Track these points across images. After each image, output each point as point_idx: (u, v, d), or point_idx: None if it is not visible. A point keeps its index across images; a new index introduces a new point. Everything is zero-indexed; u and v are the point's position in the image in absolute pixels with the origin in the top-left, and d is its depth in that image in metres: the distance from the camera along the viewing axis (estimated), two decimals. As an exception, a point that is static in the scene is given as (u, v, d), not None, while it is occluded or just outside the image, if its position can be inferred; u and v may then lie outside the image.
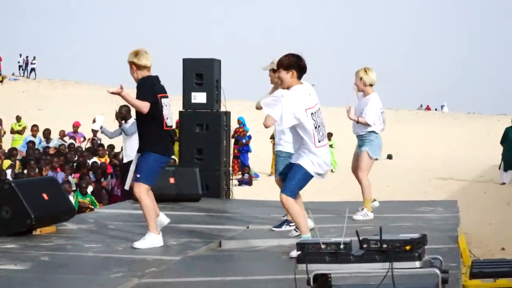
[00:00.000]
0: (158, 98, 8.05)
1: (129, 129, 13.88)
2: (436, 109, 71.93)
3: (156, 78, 8.20)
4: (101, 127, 14.69)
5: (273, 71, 8.65)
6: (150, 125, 8.06)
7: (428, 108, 71.84)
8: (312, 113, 7.31)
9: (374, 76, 9.86)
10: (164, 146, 8.16)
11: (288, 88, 7.38)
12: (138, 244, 8.07)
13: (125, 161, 14.15)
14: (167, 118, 8.13)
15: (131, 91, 7.87)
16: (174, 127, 8.19)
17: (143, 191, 8.04)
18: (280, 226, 9.04)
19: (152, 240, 8.10)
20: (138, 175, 8.10)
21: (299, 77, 7.42)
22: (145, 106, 7.92)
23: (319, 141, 7.32)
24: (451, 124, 51.90)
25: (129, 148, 13.86)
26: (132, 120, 13.67)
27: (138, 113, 8.07)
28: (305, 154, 7.32)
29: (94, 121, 14.66)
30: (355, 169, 10.05)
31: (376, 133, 9.88)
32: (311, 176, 7.36)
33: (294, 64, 7.38)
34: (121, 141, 15.06)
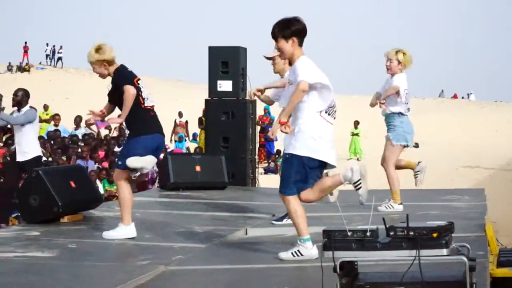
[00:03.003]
0: (135, 82, 7.91)
1: (19, 118, 10.86)
2: (462, 97, 71.41)
3: (123, 66, 8.05)
4: None
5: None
6: (132, 111, 7.82)
7: (455, 97, 71.31)
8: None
9: (411, 58, 9.43)
10: (148, 126, 7.95)
11: (290, 59, 6.71)
12: (106, 234, 7.97)
13: (20, 159, 10.98)
14: (146, 99, 7.94)
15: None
16: (154, 106, 7.81)
17: (123, 178, 7.90)
18: (281, 219, 8.84)
19: (122, 230, 7.98)
20: (119, 162, 7.93)
21: (300, 43, 6.66)
22: (132, 93, 7.74)
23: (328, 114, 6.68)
24: (478, 112, 51.52)
25: (24, 143, 10.87)
26: (26, 108, 10.91)
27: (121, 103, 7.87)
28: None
29: None
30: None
31: (401, 116, 9.38)
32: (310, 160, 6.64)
33: (291, 31, 6.60)
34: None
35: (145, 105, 7.97)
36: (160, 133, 8.09)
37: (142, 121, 7.96)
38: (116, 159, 8.07)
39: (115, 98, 7.96)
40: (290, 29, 6.62)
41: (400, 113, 9.42)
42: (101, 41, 8.02)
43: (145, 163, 7.85)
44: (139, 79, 8.06)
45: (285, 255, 6.82)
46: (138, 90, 7.92)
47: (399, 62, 9.33)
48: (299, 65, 6.57)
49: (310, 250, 6.74)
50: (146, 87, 8.19)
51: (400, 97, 9.35)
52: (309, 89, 6.51)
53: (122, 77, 7.90)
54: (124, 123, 8.12)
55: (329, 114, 6.69)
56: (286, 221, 8.63)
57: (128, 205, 8.01)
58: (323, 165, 6.79)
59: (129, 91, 7.77)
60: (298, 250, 6.79)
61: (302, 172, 6.65)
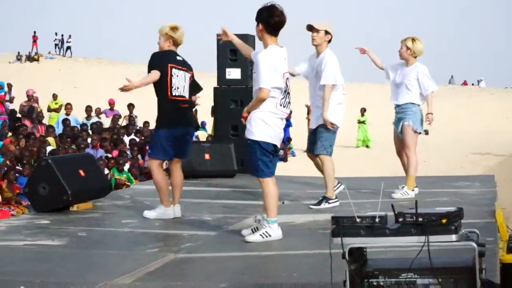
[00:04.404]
0: (167, 67, 8.17)
1: None
2: (473, 84, 71.17)
3: (169, 51, 8.32)
4: None
5: None
6: (158, 97, 8.24)
7: (465, 83, 71.09)
8: (287, 78, 7.13)
9: (422, 47, 9.54)
10: (171, 119, 8.22)
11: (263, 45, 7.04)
12: (147, 214, 8.43)
13: None
14: (175, 88, 8.19)
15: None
16: (188, 98, 8.16)
17: (154, 165, 8.30)
18: (319, 203, 8.97)
19: (161, 210, 8.37)
20: (149, 151, 8.49)
21: (271, 32, 6.99)
22: (154, 74, 8.10)
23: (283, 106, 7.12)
24: (488, 99, 51.36)
25: None
26: None
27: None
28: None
29: None
30: (399, 150, 9.71)
31: (418, 105, 9.53)
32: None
33: (261, 18, 6.96)
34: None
35: (173, 94, 8.13)
36: (181, 126, 8.30)
37: (165, 113, 8.21)
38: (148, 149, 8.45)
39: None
40: (258, 16, 7.00)
41: (416, 103, 9.55)
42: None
43: (159, 216, 8.35)
44: (175, 67, 8.24)
45: (254, 237, 7.07)
46: (166, 76, 8.14)
47: (408, 48, 9.43)
48: (261, 66, 6.94)
49: (277, 231, 7.11)
50: (185, 78, 8.33)
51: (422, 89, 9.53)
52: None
53: (155, 59, 8.23)
54: None
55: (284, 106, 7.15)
56: (324, 205, 8.74)
57: (162, 188, 8.33)
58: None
59: (152, 74, 8.12)
60: (266, 232, 7.06)
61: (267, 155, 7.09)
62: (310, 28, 8.88)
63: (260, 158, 7.03)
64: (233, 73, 12.85)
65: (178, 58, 8.36)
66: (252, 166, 7.14)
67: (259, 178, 7.10)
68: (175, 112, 8.23)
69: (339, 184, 9.13)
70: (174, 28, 8.31)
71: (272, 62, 6.95)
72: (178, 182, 8.47)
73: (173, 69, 8.21)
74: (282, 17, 7.02)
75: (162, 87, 8.17)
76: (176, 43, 8.36)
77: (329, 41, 8.90)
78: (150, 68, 8.21)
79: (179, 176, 8.48)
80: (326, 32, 8.84)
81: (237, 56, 12.81)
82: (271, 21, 6.96)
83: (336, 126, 8.87)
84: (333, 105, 8.82)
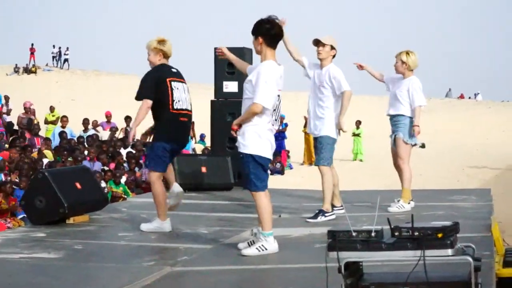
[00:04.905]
0: (167, 82, 8.17)
1: None
2: (469, 97, 71.31)
3: (163, 65, 8.33)
4: None
5: None
6: (156, 110, 8.21)
7: (461, 97, 71.23)
8: (278, 95, 7.16)
9: (416, 59, 9.63)
10: (171, 133, 8.24)
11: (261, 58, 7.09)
12: (144, 226, 8.43)
13: None
14: (177, 101, 8.20)
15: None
16: (190, 111, 8.25)
17: (154, 177, 8.29)
18: (315, 217, 8.98)
19: (157, 224, 8.37)
20: (147, 163, 8.50)
21: (270, 45, 7.05)
22: (145, 105, 8.09)
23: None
24: (485, 112, 51.46)
25: None
26: None
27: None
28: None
29: None
30: (395, 162, 9.76)
31: (409, 117, 9.57)
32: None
33: (260, 30, 7.01)
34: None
35: (174, 108, 8.14)
36: (179, 141, 8.36)
37: (165, 126, 8.21)
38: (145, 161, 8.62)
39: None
40: (257, 28, 7.05)
41: (408, 116, 9.59)
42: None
43: (156, 230, 8.35)
44: (173, 80, 8.25)
45: (250, 251, 7.06)
46: (167, 89, 8.14)
47: (403, 62, 9.51)
48: (262, 81, 6.95)
49: (273, 244, 7.10)
50: (185, 90, 8.35)
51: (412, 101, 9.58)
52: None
53: (150, 77, 8.22)
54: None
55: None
56: (320, 218, 8.77)
57: (160, 201, 8.31)
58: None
59: (143, 107, 8.10)
60: (262, 245, 7.06)
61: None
62: (316, 42, 8.99)
63: (253, 172, 7.02)
64: (230, 86, 12.87)
65: (173, 70, 8.37)
66: (245, 179, 7.15)
67: (251, 191, 7.10)
68: (175, 126, 8.24)
69: (341, 208, 9.12)
70: (161, 41, 8.30)
71: (272, 78, 7.00)
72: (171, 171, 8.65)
73: (173, 82, 8.21)
74: (280, 29, 7.12)
75: (164, 100, 8.14)
76: (166, 56, 8.35)
77: (334, 56, 9.02)
78: (142, 87, 8.18)
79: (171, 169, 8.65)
80: (332, 47, 8.97)
81: (234, 69, 12.82)
82: (271, 32, 7.02)
83: (338, 134, 9.08)
84: (336, 117, 8.96)
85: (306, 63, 9.23)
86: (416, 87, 9.56)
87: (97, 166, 15.41)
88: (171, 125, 8.21)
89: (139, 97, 8.17)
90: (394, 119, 9.69)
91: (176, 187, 8.62)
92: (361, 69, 9.82)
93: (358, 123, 29.42)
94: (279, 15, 7.38)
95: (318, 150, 9.15)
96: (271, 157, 7.20)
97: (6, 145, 16.89)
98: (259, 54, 7.14)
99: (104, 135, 20.89)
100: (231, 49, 12.86)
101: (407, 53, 9.57)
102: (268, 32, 7.02)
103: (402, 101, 9.57)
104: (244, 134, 7.06)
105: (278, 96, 7.20)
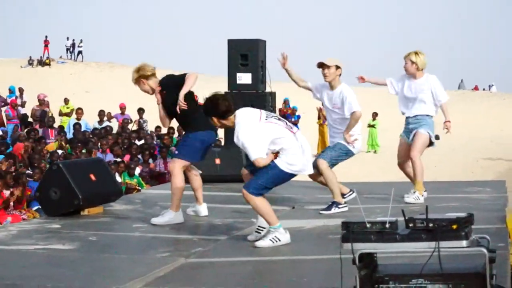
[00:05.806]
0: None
1: None
2: (484, 89, 70.99)
3: (163, 78, 8.56)
4: None
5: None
6: (189, 107, 8.31)
7: (476, 88, 70.92)
8: (265, 118, 7.19)
9: (425, 59, 9.63)
10: (208, 122, 8.22)
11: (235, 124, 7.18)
12: (155, 220, 8.38)
13: None
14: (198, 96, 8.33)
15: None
16: None
17: (177, 167, 8.34)
18: (328, 208, 8.97)
19: (170, 215, 8.37)
20: (176, 152, 8.52)
21: (222, 117, 7.19)
22: (194, 75, 8.30)
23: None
24: (499, 104, 51.20)
25: None
26: None
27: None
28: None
29: None
30: (404, 161, 9.75)
31: (432, 116, 9.62)
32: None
33: (210, 111, 7.22)
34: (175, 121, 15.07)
35: (199, 101, 8.27)
36: (212, 129, 8.45)
37: (198, 118, 8.23)
38: (175, 149, 8.62)
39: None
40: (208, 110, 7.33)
41: (431, 115, 9.65)
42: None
43: (169, 222, 8.35)
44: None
45: (264, 242, 7.06)
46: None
47: (413, 62, 9.51)
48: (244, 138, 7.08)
49: (285, 235, 7.12)
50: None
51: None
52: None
53: (172, 76, 8.49)
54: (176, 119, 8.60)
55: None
56: (334, 210, 8.76)
57: (178, 193, 8.34)
58: None
59: (191, 76, 8.26)
60: (276, 236, 7.07)
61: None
62: (321, 65, 8.99)
63: (266, 180, 7.01)
64: (244, 78, 12.85)
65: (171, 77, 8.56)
66: (252, 180, 7.09)
67: (245, 191, 7.01)
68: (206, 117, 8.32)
69: (351, 192, 9.14)
70: (140, 70, 8.48)
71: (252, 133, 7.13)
72: (199, 183, 8.78)
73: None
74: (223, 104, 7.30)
75: (189, 96, 8.31)
76: (153, 74, 8.51)
77: (340, 74, 9.07)
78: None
79: (198, 178, 8.75)
80: (337, 67, 8.97)
81: (248, 61, 12.83)
82: (219, 110, 7.28)
83: (353, 148, 9.05)
84: (355, 136, 8.98)
85: (312, 87, 9.31)
86: (436, 85, 9.59)
87: (109, 158, 15.44)
88: (204, 116, 8.23)
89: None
90: (416, 118, 9.61)
91: (203, 209, 8.79)
92: (362, 81, 9.83)
93: (374, 114, 29.37)
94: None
95: (327, 148, 9.23)
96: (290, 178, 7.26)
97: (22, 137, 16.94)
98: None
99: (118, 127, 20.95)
100: (246, 41, 13.03)
101: (416, 53, 9.59)
102: (219, 111, 7.18)
103: (426, 100, 9.54)
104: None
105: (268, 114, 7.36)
